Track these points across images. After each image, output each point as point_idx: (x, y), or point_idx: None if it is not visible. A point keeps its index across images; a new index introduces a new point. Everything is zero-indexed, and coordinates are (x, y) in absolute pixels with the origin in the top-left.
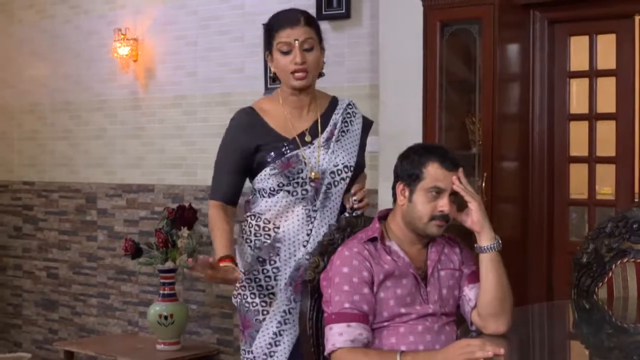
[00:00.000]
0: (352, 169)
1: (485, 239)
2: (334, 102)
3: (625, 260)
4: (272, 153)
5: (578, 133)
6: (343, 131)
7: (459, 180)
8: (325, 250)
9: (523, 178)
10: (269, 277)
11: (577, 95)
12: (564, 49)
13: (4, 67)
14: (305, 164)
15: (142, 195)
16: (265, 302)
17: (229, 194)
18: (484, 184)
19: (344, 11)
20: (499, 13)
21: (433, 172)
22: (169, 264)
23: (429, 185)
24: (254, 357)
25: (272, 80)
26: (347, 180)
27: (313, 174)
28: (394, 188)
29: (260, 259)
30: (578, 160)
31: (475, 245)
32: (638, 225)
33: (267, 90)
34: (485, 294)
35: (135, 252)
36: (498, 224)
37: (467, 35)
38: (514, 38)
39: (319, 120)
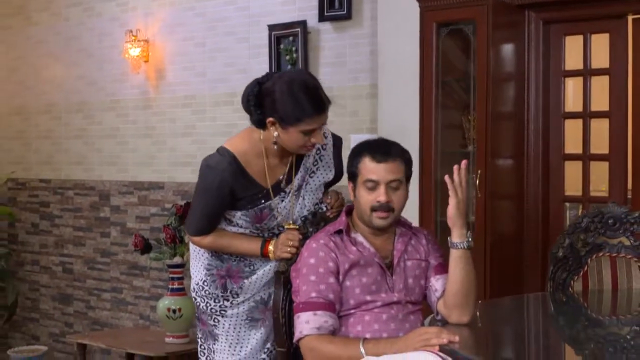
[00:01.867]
0: (318, 202)
1: (457, 235)
2: None
3: (600, 254)
4: (249, 205)
5: (572, 131)
6: (313, 172)
7: (457, 171)
8: None
9: (519, 175)
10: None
11: (572, 94)
12: (558, 49)
13: (22, 69)
14: (276, 217)
15: (153, 192)
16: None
17: (212, 229)
18: (478, 181)
19: (345, 12)
20: (492, 14)
21: (365, 166)
22: (177, 259)
23: (364, 179)
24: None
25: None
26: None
27: (290, 225)
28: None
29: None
30: (573, 157)
31: (448, 237)
32: (613, 221)
33: None
34: (451, 286)
35: (145, 247)
36: (494, 221)
37: (463, 35)
38: (509, 38)
39: (294, 165)
